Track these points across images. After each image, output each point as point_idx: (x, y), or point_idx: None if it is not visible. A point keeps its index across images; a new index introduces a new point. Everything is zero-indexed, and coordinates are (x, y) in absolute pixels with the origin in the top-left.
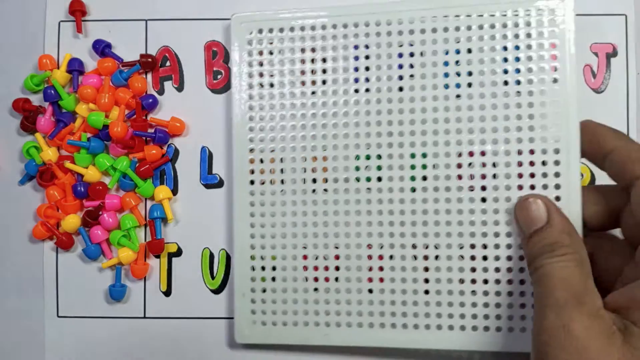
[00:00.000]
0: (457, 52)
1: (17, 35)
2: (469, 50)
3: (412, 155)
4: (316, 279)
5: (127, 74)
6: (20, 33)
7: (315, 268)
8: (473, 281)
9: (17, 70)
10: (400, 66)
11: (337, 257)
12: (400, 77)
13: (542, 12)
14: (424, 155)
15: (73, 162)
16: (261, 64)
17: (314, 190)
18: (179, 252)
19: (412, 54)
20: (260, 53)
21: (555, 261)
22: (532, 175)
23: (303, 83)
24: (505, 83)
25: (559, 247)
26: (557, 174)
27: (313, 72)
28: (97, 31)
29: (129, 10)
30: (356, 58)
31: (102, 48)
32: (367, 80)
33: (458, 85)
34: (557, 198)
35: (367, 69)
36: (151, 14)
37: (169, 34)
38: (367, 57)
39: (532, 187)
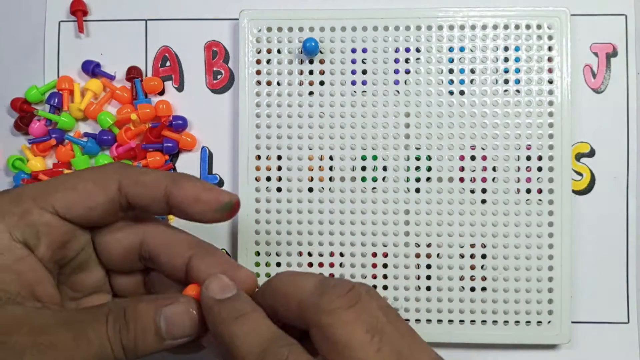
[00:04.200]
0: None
1: (17, 35)
2: (472, 60)
3: (417, 157)
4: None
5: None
6: (20, 33)
7: (320, 264)
8: (472, 278)
9: (17, 70)
10: (408, 71)
11: (342, 254)
12: (406, 82)
13: (542, 26)
14: (429, 158)
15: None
16: (269, 62)
17: (320, 189)
18: None
19: (418, 59)
20: (269, 51)
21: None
22: (529, 180)
23: (311, 83)
24: (505, 91)
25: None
26: (550, 180)
27: (321, 72)
28: (98, 31)
29: (129, 10)
30: (363, 60)
31: (92, 68)
32: (374, 83)
33: (462, 92)
34: (550, 202)
35: (374, 72)
36: (151, 14)
37: (169, 34)
38: (374, 60)
39: (528, 190)
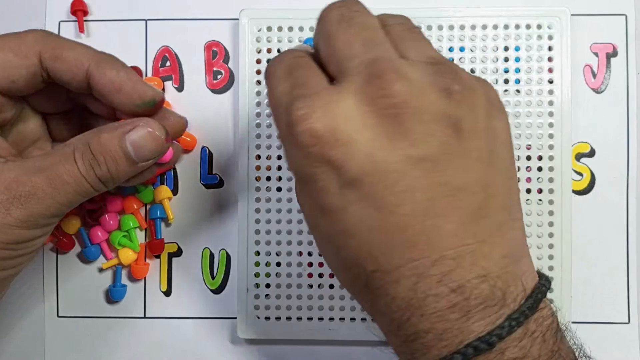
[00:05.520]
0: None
1: None
2: (472, 60)
3: None
4: (321, 275)
5: None
6: None
7: (320, 264)
8: None
9: None
10: None
11: None
12: None
13: (542, 25)
14: None
15: None
16: (269, 62)
17: None
18: (179, 252)
19: None
20: (269, 51)
21: None
22: (529, 180)
23: None
24: (505, 91)
25: None
26: (550, 180)
27: None
28: (98, 31)
29: (129, 10)
30: None
31: None
32: None
33: None
34: (551, 202)
35: None
36: (151, 14)
37: (169, 34)
38: None
39: (528, 190)
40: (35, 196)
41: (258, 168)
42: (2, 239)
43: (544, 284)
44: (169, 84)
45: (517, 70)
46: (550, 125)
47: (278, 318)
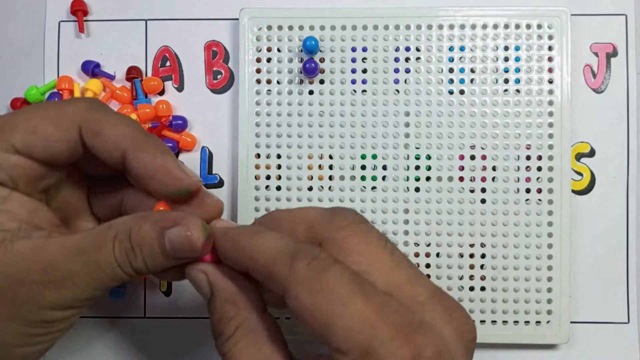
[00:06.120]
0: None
1: (17, 35)
2: (472, 60)
3: (417, 157)
4: None
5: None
6: (20, 33)
7: None
8: (471, 278)
9: (17, 70)
10: (408, 70)
11: None
12: (406, 81)
13: (542, 25)
14: (428, 157)
15: None
16: (269, 61)
17: (320, 188)
18: None
19: (418, 59)
20: (269, 50)
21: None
22: (528, 180)
23: (311, 82)
24: (505, 91)
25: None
26: (550, 180)
27: (321, 71)
28: (98, 31)
29: (129, 10)
30: (363, 59)
31: (92, 68)
32: (374, 82)
33: (462, 92)
34: (550, 202)
35: (374, 71)
36: (151, 14)
37: (169, 34)
38: (374, 59)
39: (528, 190)
40: (71, 281)
41: (258, 167)
42: (34, 319)
43: None
44: (169, 84)
45: (517, 70)
46: (550, 125)
47: (277, 317)
